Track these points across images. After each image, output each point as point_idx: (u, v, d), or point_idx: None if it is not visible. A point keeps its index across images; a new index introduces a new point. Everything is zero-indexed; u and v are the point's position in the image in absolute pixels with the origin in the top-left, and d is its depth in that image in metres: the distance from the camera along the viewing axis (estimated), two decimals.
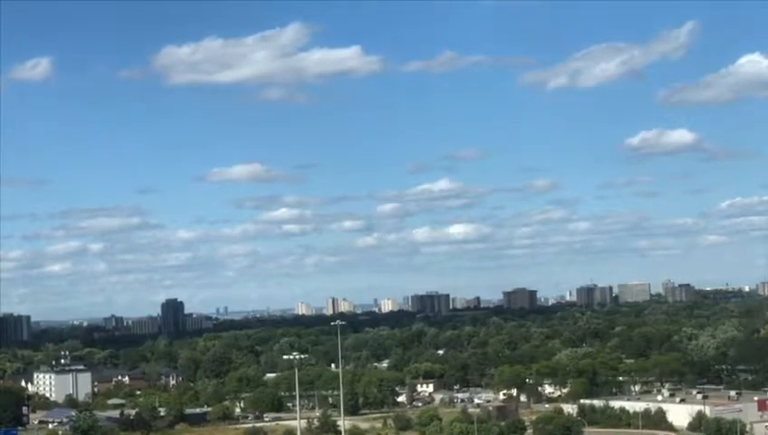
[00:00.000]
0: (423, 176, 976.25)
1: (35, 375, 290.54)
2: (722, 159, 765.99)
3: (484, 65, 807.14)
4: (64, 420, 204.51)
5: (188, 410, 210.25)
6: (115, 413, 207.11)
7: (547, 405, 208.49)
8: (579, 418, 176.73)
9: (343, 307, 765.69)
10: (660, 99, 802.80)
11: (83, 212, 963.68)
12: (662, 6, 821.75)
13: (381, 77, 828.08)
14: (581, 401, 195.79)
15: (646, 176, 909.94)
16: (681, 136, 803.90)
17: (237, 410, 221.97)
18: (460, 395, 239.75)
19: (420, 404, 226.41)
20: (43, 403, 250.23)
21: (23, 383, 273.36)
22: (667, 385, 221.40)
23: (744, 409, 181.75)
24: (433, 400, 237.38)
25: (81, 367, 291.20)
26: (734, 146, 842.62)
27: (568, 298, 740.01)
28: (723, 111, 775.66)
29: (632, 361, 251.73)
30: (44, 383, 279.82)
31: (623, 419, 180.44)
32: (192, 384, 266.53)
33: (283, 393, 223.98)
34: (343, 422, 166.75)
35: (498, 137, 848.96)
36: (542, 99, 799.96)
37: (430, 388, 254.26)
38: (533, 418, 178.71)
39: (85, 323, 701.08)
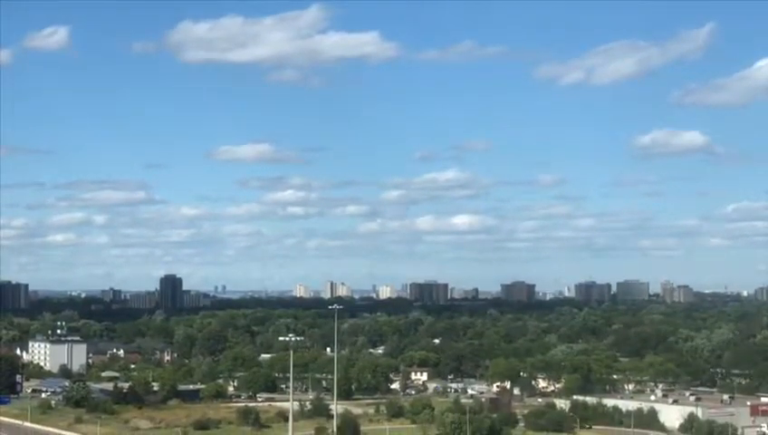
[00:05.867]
0: (431, 165, 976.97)
1: (31, 344, 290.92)
2: (730, 162, 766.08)
3: (500, 56, 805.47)
4: (58, 389, 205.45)
5: (182, 387, 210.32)
6: (109, 386, 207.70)
7: (540, 399, 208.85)
8: (571, 414, 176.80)
9: (342, 292, 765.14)
10: (674, 99, 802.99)
11: (89, 184, 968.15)
12: (683, 6, 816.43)
13: (397, 64, 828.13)
14: (575, 396, 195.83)
15: (653, 175, 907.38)
16: (692, 137, 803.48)
17: (231, 388, 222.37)
18: (454, 385, 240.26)
19: (413, 392, 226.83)
20: (38, 372, 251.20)
21: (18, 352, 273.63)
22: (660, 385, 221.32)
23: (737, 413, 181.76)
24: (426, 388, 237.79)
25: (77, 338, 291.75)
26: (744, 150, 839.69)
27: (566, 294, 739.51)
28: (736, 114, 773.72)
29: (627, 359, 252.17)
30: (39, 353, 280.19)
31: (615, 417, 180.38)
32: (187, 361, 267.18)
33: (277, 375, 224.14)
34: (336, 406, 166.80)
35: (509, 129, 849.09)
36: (555, 93, 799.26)
37: (424, 376, 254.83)
38: (526, 411, 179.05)
39: (83, 295, 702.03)
